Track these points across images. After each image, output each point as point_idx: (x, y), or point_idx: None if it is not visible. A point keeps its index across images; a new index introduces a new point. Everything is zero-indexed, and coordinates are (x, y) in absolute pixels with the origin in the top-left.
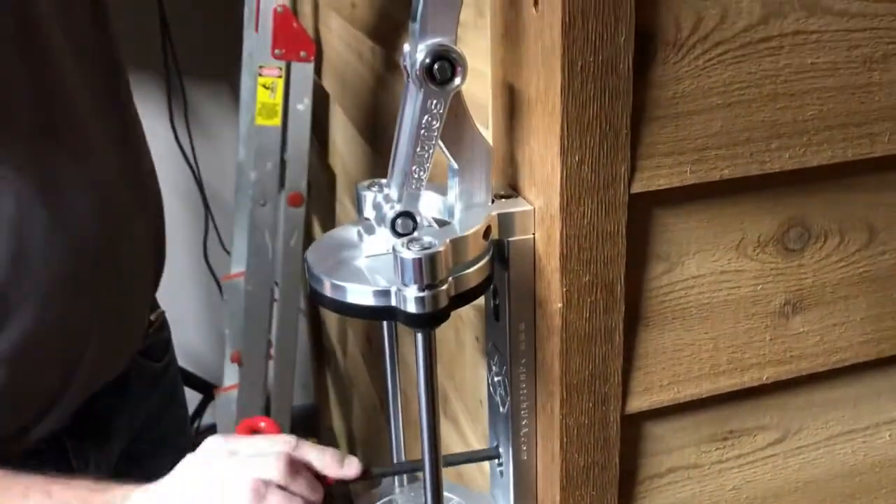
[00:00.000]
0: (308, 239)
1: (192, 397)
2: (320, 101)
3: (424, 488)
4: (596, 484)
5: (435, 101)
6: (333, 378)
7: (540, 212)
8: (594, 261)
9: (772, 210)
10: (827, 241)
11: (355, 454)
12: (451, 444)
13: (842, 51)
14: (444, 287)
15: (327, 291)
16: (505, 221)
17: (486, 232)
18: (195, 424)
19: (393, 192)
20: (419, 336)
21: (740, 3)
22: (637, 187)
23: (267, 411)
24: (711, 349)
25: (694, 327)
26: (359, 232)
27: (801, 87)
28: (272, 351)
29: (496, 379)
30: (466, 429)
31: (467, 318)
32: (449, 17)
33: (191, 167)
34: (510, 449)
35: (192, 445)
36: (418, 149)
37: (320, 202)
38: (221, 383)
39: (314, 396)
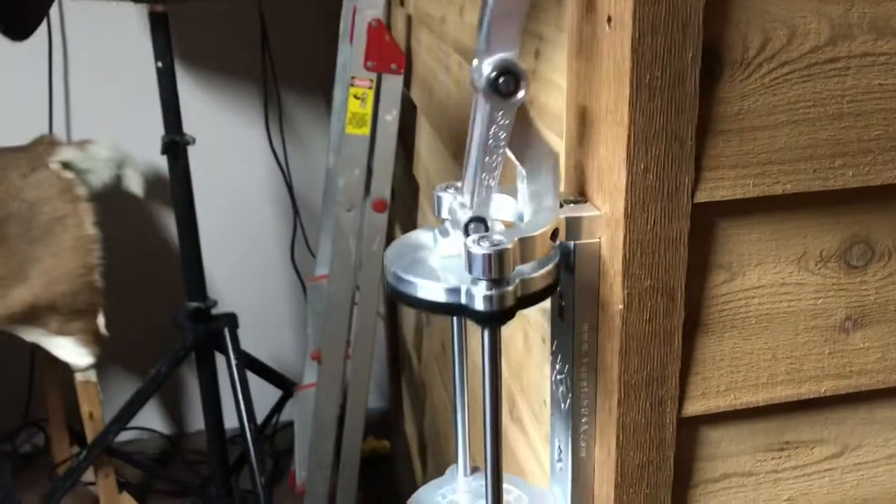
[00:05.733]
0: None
1: (272, 393)
2: (408, 113)
3: (486, 481)
4: (650, 483)
5: (501, 113)
6: (408, 384)
7: (606, 217)
8: (656, 266)
9: (835, 226)
10: (891, 259)
11: (426, 457)
12: (516, 444)
13: None
14: (511, 287)
15: (402, 287)
16: (572, 225)
17: (554, 234)
18: (273, 420)
19: (466, 199)
20: (485, 333)
21: (808, 24)
22: (700, 197)
23: (343, 410)
24: (769, 359)
25: (753, 336)
26: (434, 234)
27: (866, 108)
28: (350, 350)
29: (559, 377)
30: (531, 429)
31: (535, 321)
32: (511, 34)
33: (283, 171)
34: (569, 445)
35: None
36: (487, 158)
37: (403, 210)
38: (301, 381)
39: (388, 400)
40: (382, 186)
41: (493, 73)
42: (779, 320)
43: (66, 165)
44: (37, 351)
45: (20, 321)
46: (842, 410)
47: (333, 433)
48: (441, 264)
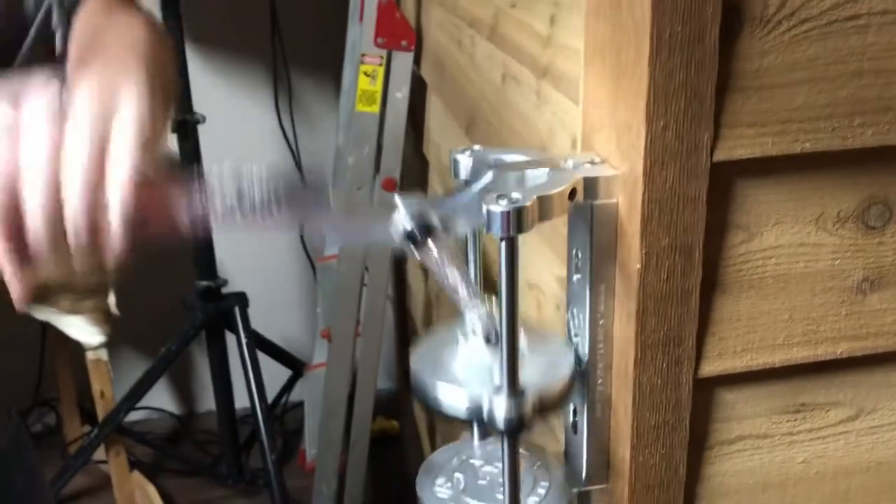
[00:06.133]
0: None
1: (282, 374)
2: (418, 91)
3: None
4: (665, 443)
5: (438, 252)
6: None
7: (623, 177)
8: (674, 225)
9: (853, 187)
10: None
11: (434, 437)
12: None
13: None
14: (529, 400)
15: (428, 391)
16: (590, 185)
17: (572, 193)
18: (282, 400)
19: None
20: (506, 440)
21: None
22: (719, 156)
23: (353, 389)
24: (786, 320)
25: (770, 297)
26: (458, 337)
27: (887, 65)
28: (360, 329)
29: (575, 339)
30: None
31: (550, 289)
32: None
33: (292, 151)
34: (585, 407)
35: None
36: (459, 290)
37: (413, 190)
38: (311, 362)
39: (397, 382)
40: (392, 165)
41: (408, 233)
42: (796, 281)
43: None
44: (48, 331)
45: (32, 299)
46: (857, 373)
47: (343, 411)
48: (465, 368)
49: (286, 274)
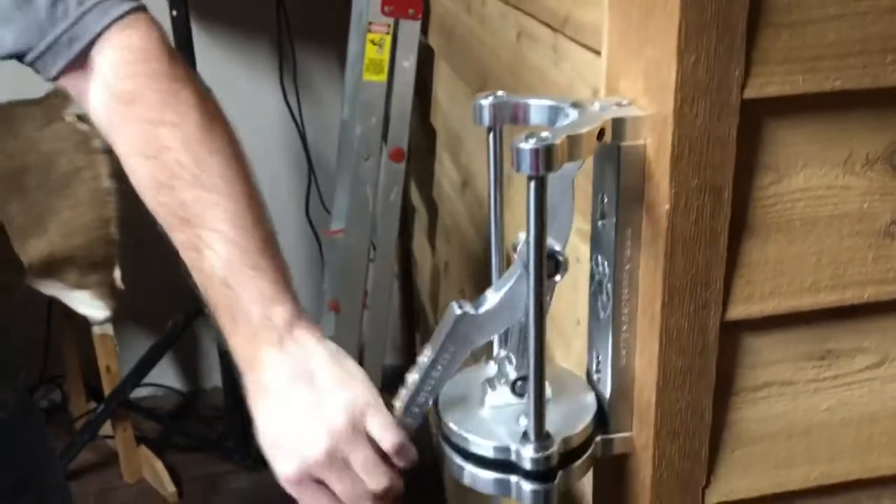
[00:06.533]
0: (406, 197)
1: None
2: (424, 62)
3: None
4: (692, 388)
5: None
6: (423, 339)
7: (652, 118)
8: (704, 165)
9: (882, 128)
10: None
11: (440, 413)
12: None
13: None
14: (555, 447)
15: (454, 439)
16: (617, 127)
17: (601, 134)
18: None
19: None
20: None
21: None
22: (749, 93)
23: (360, 364)
24: (814, 263)
25: (797, 240)
26: (483, 385)
27: None
28: (367, 300)
29: (598, 286)
30: (560, 360)
31: (571, 243)
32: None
33: (297, 125)
34: (609, 355)
35: None
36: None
37: (419, 163)
38: None
39: (404, 358)
40: (400, 135)
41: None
42: (824, 224)
43: (81, 118)
44: (53, 306)
45: (39, 274)
46: (883, 319)
47: None
48: (491, 416)
49: (291, 249)
